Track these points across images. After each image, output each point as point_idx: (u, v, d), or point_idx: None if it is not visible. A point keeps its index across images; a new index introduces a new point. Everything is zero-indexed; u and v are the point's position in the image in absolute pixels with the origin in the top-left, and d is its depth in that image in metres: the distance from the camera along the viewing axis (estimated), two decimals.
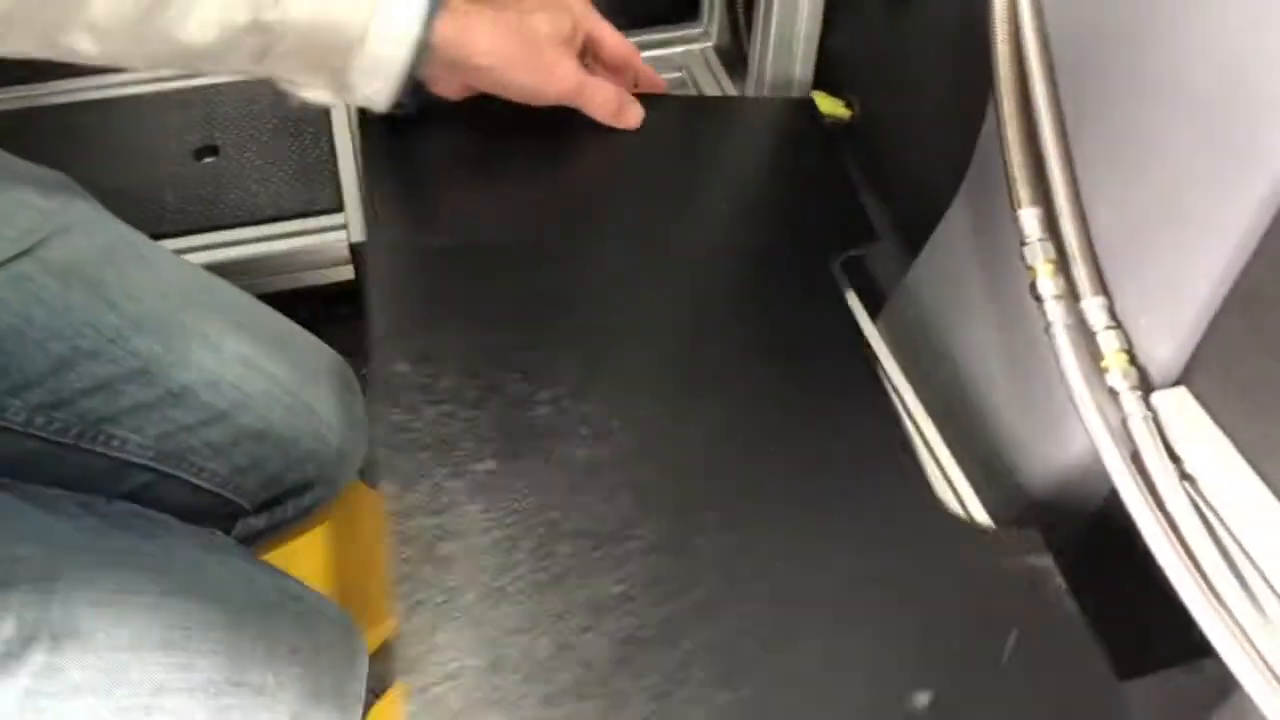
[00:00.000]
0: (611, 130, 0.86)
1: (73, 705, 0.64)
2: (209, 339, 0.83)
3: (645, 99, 0.89)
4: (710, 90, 1.21)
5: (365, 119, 0.82)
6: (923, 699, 0.57)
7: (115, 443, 0.80)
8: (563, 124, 0.85)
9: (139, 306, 0.80)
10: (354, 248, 1.03)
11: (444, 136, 0.84)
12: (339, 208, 1.07)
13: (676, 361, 0.75)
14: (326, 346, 0.93)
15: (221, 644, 0.70)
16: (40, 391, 0.75)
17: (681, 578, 0.61)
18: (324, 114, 1.17)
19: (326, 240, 1.04)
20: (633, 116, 0.87)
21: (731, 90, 1.19)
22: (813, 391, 0.74)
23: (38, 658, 0.64)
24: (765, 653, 0.59)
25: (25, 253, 0.75)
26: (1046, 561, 0.65)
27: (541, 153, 0.86)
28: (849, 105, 1.07)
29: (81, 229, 0.81)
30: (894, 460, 0.71)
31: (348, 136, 1.14)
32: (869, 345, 0.82)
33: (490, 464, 0.63)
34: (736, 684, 0.57)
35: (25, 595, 0.64)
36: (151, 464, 0.82)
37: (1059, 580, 0.64)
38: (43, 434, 0.77)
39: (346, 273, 1.05)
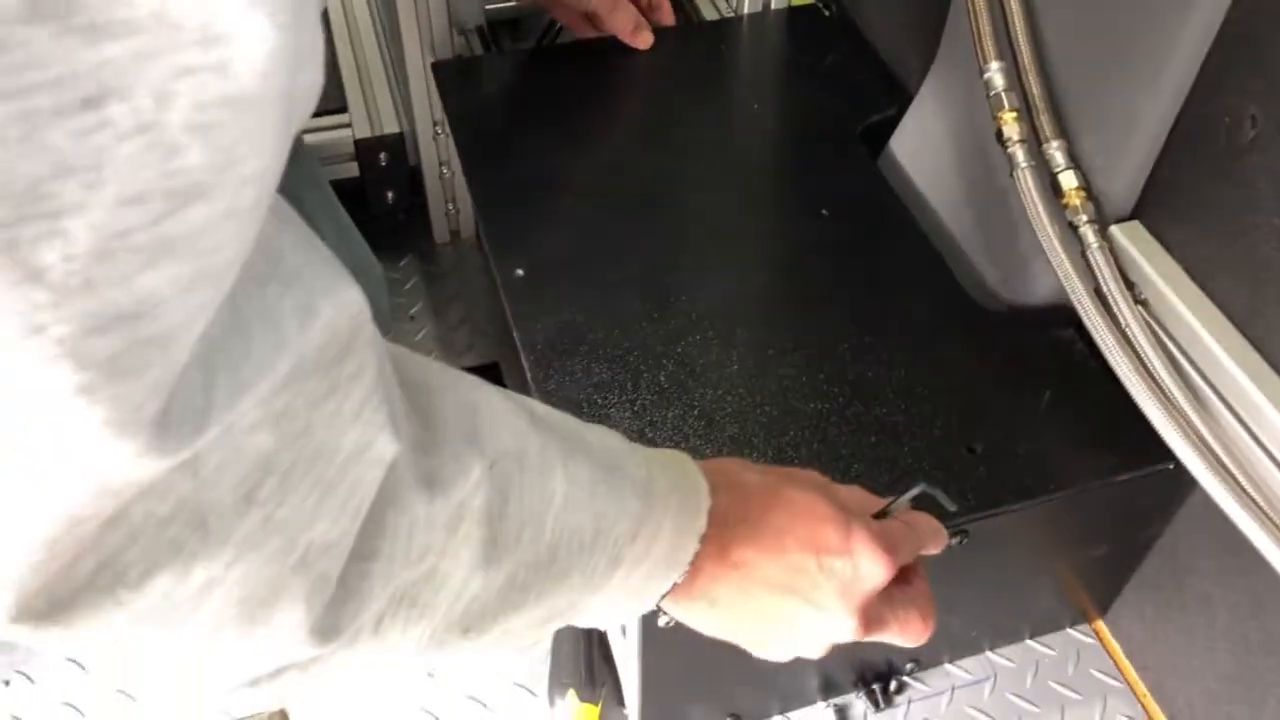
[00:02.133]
0: (649, 64, 1.00)
1: None
2: (304, 213, 0.87)
3: (680, 29, 1.05)
4: (702, 3, 1.26)
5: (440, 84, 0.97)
6: (978, 446, 0.69)
7: None
8: (600, 66, 1.00)
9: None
10: (359, 144, 1.08)
11: (506, 85, 0.99)
12: (343, 108, 1.11)
13: (745, 230, 0.86)
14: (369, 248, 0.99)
15: None
16: None
17: (767, 387, 0.73)
18: (324, 20, 1.21)
19: (333, 138, 1.09)
20: (645, 39, 1.01)
21: (721, 2, 1.24)
22: (855, 229, 0.85)
23: None
24: (846, 420, 0.71)
25: None
26: (1070, 333, 0.76)
27: (590, 88, 0.98)
28: (827, 5, 1.12)
29: None
30: (931, 272, 0.82)
31: (347, 41, 1.18)
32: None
33: (601, 334, 0.76)
34: (828, 434, 0.70)
35: None
36: None
37: (1081, 346, 0.75)
38: None
39: (351, 169, 1.10)
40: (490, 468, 0.40)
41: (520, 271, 0.80)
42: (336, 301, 0.34)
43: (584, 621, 0.49)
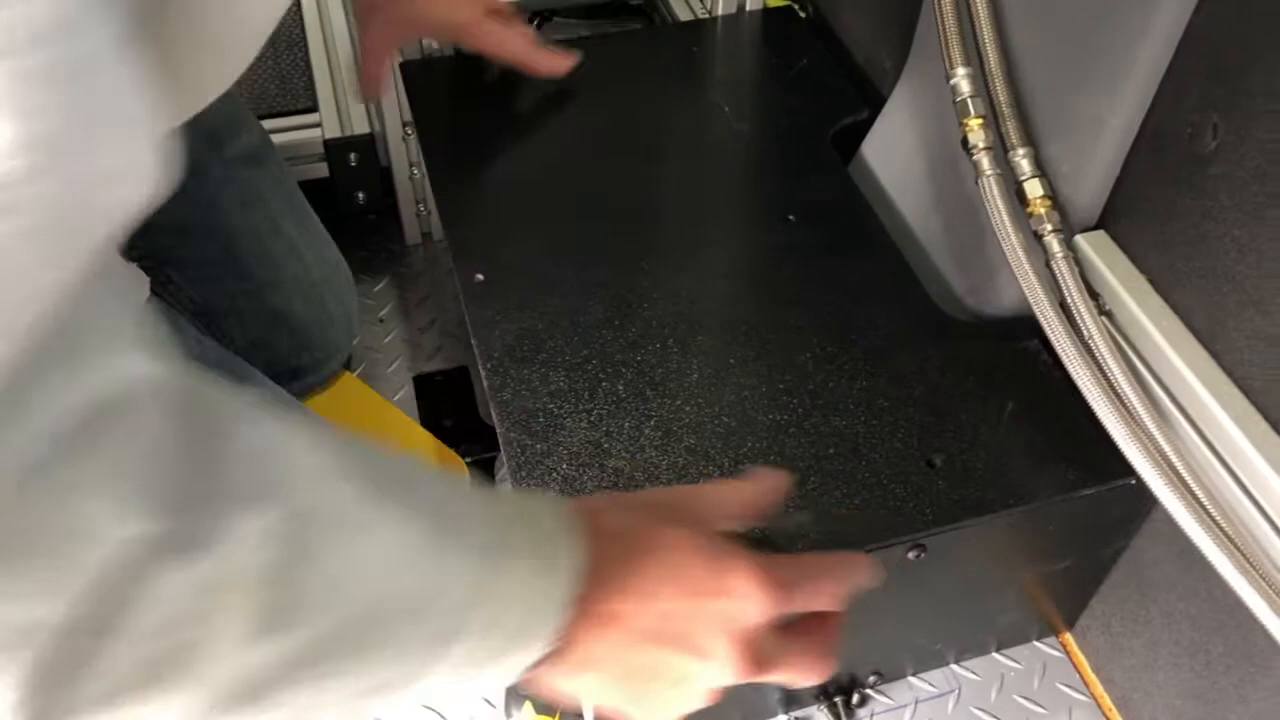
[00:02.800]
0: (620, 64, 1.00)
1: None
2: (271, 214, 0.88)
3: (653, 29, 1.03)
4: (676, 5, 1.25)
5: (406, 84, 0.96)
6: (937, 459, 0.68)
7: (171, 286, 0.85)
8: (579, 73, 0.96)
9: (234, 166, 0.85)
10: (328, 144, 1.07)
11: (474, 86, 0.96)
12: (314, 108, 1.10)
13: (710, 235, 0.85)
14: (337, 249, 0.99)
15: None
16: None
17: (726, 397, 0.72)
18: (298, 21, 1.20)
19: (302, 137, 1.08)
20: (545, 63, 0.93)
21: (696, 3, 1.23)
22: (822, 236, 0.84)
23: None
24: (804, 432, 0.70)
25: None
26: (1035, 344, 0.74)
27: (559, 89, 0.96)
28: (803, 7, 1.11)
29: None
30: (897, 280, 0.80)
31: (320, 42, 1.17)
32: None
33: (560, 341, 0.75)
34: (785, 446, 0.69)
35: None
36: (191, 318, 0.87)
37: (1046, 357, 0.74)
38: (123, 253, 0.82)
39: (321, 170, 1.09)
40: (283, 523, 0.37)
41: (480, 276, 0.79)
42: (105, 371, 0.32)
43: (438, 694, 0.45)
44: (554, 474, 0.67)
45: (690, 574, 0.47)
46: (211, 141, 0.85)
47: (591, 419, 0.70)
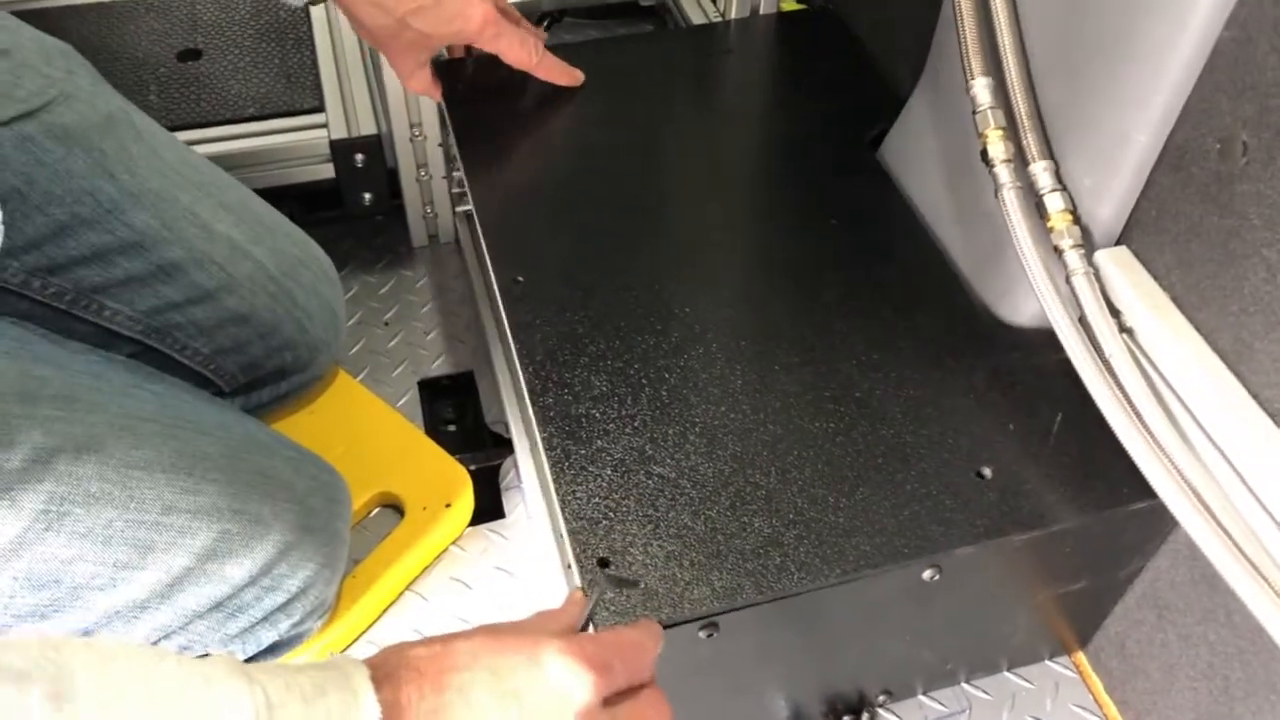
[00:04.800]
0: (648, 67, 0.99)
1: (91, 514, 0.68)
2: (200, 219, 0.85)
3: (682, 31, 1.02)
4: (689, 7, 1.23)
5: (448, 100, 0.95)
6: (987, 471, 0.67)
7: (107, 313, 0.82)
8: (595, 66, 0.97)
9: (136, 180, 0.82)
10: (334, 145, 1.06)
11: (499, 88, 0.95)
12: (320, 108, 1.09)
13: (751, 238, 0.85)
14: (309, 238, 0.96)
15: (224, 474, 0.74)
16: (38, 255, 0.78)
17: (771, 404, 0.71)
18: (305, 20, 1.19)
19: (308, 137, 1.06)
20: (554, 75, 0.94)
21: (709, 5, 1.22)
22: (863, 240, 0.83)
23: (61, 466, 0.66)
24: (852, 441, 0.69)
25: (30, 114, 0.76)
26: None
27: (594, 96, 0.96)
28: (824, 6, 1.10)
29: (84, 98, 0.81)
30: (942, 285, 0.80)
31: (328, 41, 1.16)
32: None
33: (602, 345, 0.74)
34: (833, 455, 0.68)
35: (49, 409, 0.67)
36: (139, 337, 0.84)
37: None
38: (38, 297, 0.79)
39: (327, 170, 1.08)
40: None
41: (520, 278, 0.78)
42: None
43: None
44: (599, 480, 0.66)
45: (502, 673, 0.48)
46: (92, 159, 0.81)
47: (635, 425, 0.69)
